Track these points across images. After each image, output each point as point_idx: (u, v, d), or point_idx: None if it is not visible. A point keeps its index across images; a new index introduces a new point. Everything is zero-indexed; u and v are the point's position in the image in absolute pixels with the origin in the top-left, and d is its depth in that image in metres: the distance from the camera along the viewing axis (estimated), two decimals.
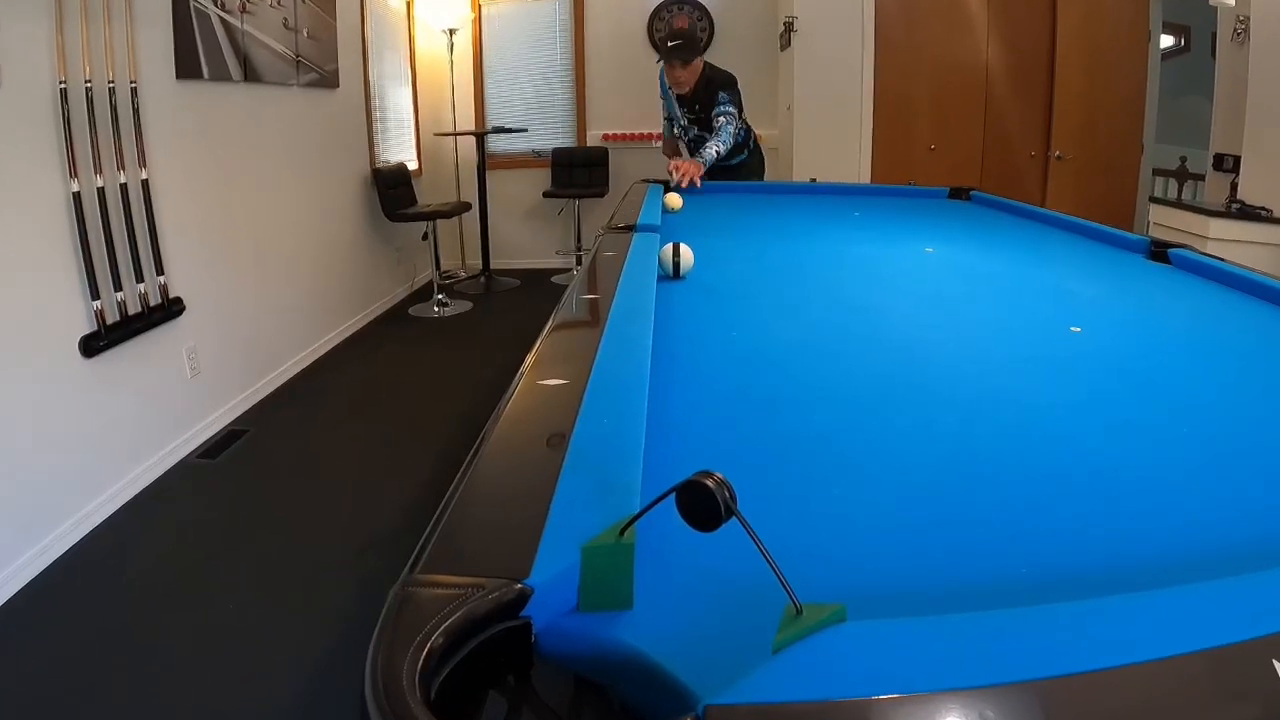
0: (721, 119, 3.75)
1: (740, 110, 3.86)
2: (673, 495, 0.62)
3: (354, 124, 5.16)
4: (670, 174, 3.51)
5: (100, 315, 2.77)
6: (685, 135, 4.12)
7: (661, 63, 3.95)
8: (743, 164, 4.11)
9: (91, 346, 2.74)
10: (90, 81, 2.70)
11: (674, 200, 3.12)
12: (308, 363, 4.40)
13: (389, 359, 4.61)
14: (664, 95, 4.14)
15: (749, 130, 4.08)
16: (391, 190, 5.34)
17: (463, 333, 5.14)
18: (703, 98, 3.87)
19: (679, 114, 4.04)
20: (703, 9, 6.15)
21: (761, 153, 4.29)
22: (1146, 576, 0.70)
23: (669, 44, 3.86)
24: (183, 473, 3.16)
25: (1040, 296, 1.87)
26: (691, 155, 3.86)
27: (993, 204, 3.36)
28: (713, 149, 3.63)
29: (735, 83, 3.89)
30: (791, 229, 2.83)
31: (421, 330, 5.23)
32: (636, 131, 6.33)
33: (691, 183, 3.50)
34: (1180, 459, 0.97)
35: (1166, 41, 5.41)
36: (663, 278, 1.89)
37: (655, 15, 6.20)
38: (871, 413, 1.14)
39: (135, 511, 2.87)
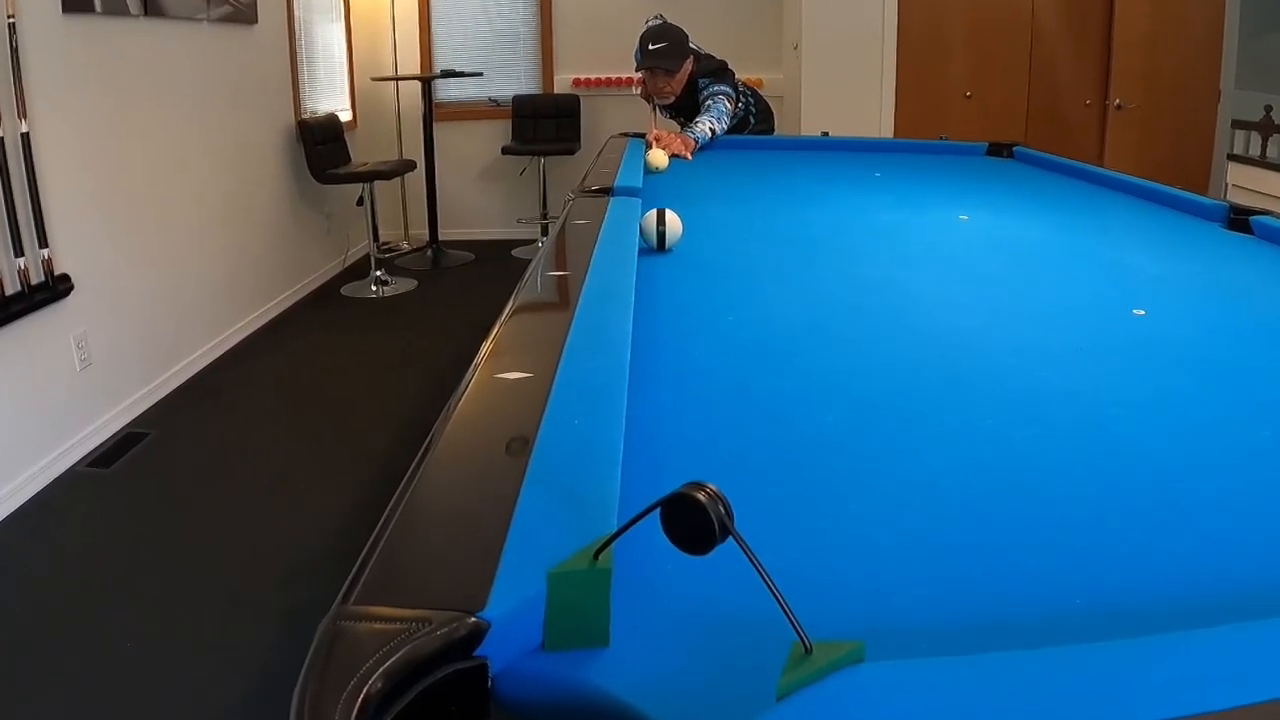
0: (710, 101, 3.66)
1: (736, 93, 3.80)
2: (657, 511, 0.61)
3: (276, 67, 5.12)
4: (650, 143, 3.28)
5: None
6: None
7: (640, 71, 3.85)
8: (751, 130, 4.08)
9: None
10: None
11: (658, 158, 3.11)
12: (220, 352, 4.38)
13: (317, 348, 4.59)
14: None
15: (751, 106, 4.03)
16: (320, 146, 5.31)
17: (406, 317, 5.13)
18: (691, 103, 3.79)
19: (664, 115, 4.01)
20: None
21: (772, 123, 4.24)
22: (1223, 609, 0.71)
23: (649, 47, 3.70)
24: (71, 483, 3.14)
25: (1096, 273, 1.88)
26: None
27: (1040, 162, 3.38)
28: (705, 125, 3.53)
29: (725, 67, 3.83)
30: (799, 192, 2.83)
31: (356, 314, 5.22)
32: (613, 76, 6.32)
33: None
34: (1265, 468, 0.97)
35: None
36: (645, 251, 1.89)
37: None
38: (894, 413, 1.14)
39: (12, 530, 2.84)
